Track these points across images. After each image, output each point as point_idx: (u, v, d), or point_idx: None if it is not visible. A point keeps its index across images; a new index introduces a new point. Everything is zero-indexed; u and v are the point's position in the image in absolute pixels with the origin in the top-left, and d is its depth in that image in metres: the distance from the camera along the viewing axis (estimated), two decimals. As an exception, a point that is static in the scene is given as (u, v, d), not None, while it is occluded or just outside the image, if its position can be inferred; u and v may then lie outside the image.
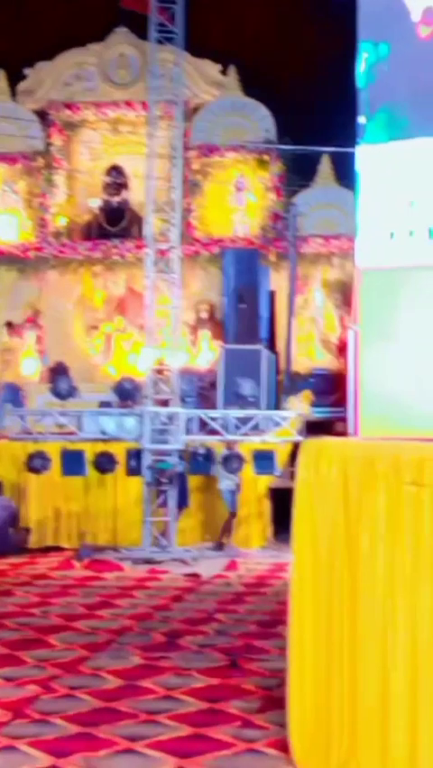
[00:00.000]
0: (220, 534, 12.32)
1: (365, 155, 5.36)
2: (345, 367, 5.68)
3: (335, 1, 6.10)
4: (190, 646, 7.24)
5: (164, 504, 11.77)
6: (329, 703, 4.54)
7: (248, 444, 12.09)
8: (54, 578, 10.37)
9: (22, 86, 16.46)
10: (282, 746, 4.73)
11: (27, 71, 16.42)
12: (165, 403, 12.16)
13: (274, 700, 5.18)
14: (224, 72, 16.59)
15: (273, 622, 6.17)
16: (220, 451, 11.96)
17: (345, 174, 4.95)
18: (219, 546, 12.05)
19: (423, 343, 5.12)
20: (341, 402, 5.41)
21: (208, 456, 11.95)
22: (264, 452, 11.84)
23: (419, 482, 4.25)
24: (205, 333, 15.59)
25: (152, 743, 4.87)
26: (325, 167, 15.93)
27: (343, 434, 5.56)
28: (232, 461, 11.82)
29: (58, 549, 12.00)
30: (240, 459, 11.82)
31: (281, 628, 5.04)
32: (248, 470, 12.06)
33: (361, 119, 5.29)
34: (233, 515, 12.09)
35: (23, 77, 16.48)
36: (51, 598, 9.14)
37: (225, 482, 11.95)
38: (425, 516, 4.21)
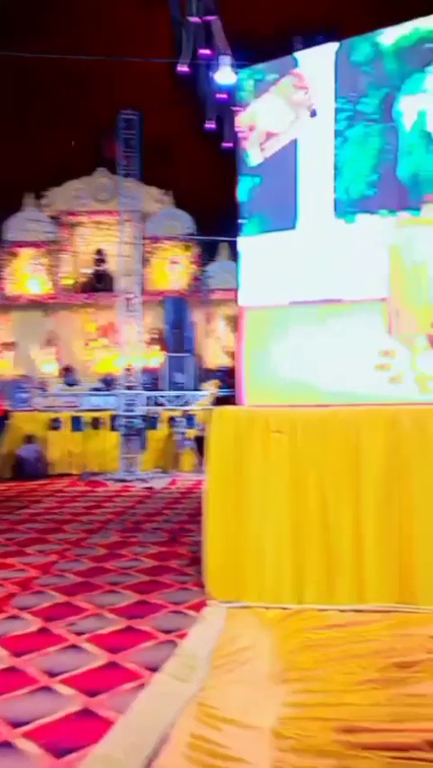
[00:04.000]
0: (168, 463, 14.28)
1: (244, 243, 6.12)
2: (238, 363, 6.27)
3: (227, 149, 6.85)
4: (148, 529, 8.00)
5: (132, 447, 14.01)
6: (227, 559, 5.06)
7: (181, 411, 14.68)
8: (66, 492, 11.61)
9: (43, 201, 19.48)
10: (202, 586, 5.19)
11: (46, 193, 19.42)
12: (131, 388, 14.39)
13: (197, 559, 5.60)
14: (165, 194, 19.38)
15: (197, 514, 6.45)
16: (166, 416, 14.68)
17: (234, 254, 6.13)
18: (165, 471, 13.93)
19: (279, 349, 5.91)
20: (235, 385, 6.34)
21: (158, 419, 14.70)
22: (191, 416, 14.51)
23: (280, 431, 5.11)
24: (155, 347, 17.89)
25: (126, 586, 5.47)
26: (223, 249, 18.71)
27: (236, 403, 6.09)
28: (184, 421, 14.52)
29: (68, 475, 13.63)
30: (189, 419, 14.40)
31: (201, 518, 5.40)
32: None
33: (241, 221, 6.12)
34: (179, 452, 14.27)
35: (44, 197, 19.48)
36: (65, 503, 10.23)
37: (178, 434, 14.38)
38: (282, 450, 5.02)
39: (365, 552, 4.71)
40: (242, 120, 6.13)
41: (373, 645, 3.47)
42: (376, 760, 2.51)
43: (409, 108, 5.72)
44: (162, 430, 14.76)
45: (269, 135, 6.14)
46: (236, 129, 6.20)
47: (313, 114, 5.96)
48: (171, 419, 14.68)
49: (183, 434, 14.36)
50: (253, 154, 6.03)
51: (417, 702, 2.90)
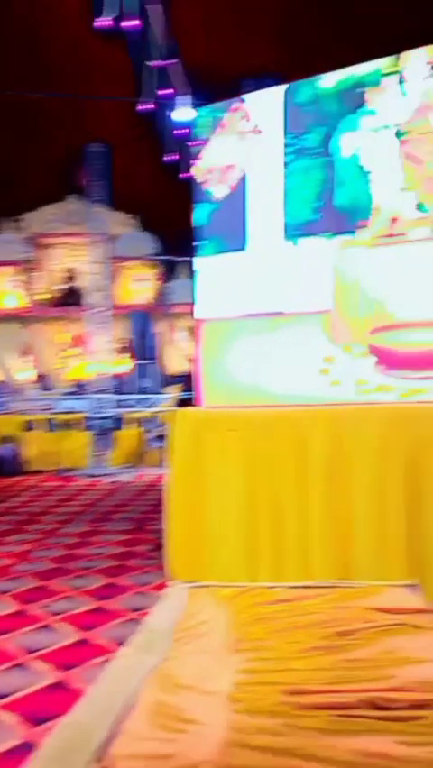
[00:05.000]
0: (136, 459, 14.10)
1: (200, 262, 6.19)
2: (196, 370, 6.32)
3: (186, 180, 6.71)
4: (116, 519, 7.95)
5: (101, 445, 13.87)
6: (188, 544, 5.07)
7: (148, 413, 14.55)
8: (41, 487, 11.42)
9: (21, 225, 19.49)
10: (164, 568, 5.16)
11: (22, 217, 19.47)
12: (101, 392, 14.31)
13: (160, 545, 5.54)
14: (131, 218, 19.50)
15: (160, 504, 6.14)
16: (133, 417, 14.50)
17: (192, 272, 6.19)
18: (135, 466, 13.75)
19: (232, 357, 6.00)
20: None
21: (125, 420, 14.47)
22: (157, 416, 14.17)
23: (233, 429, 5.13)
24: (123, 355, 17.80)
25: (96, 570, 5.48)
26: (184, 268, 18.76)
27: (195, 405, 6.14)
28: (153, 421, 14.32)
29: (42, 472, 13.36)
30: (156, 420, 14.16)
31: (163, 507, 5.38)
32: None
33: (198, 243, 6.20)
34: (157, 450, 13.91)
35: (21, 220, 19.50)
36: (40, 497, 10.09)
37: (156, 431, 14.10)
38: (237, 446, 5.05)
39: (310, 535, 4.77)
40: (197, 170, 6.20)
41: (316, 617, 3.52)
42: (319, 718, 2.54)
43: (345, 144, 5.83)
44: (132, 429, 14.58)
45: (227, 169, 6.17)
46: (195, 178, 6.25)
47: (257, 132, 6.05)
48: (141, 420, 14.60)
49: (150, 432, 14.25)
50: (217, 190, 6.09)
51: (354, 666, 2.95)
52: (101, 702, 2.89)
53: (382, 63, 5.68)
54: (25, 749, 2.69)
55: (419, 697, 2.65)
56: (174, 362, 19.55)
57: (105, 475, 12.96)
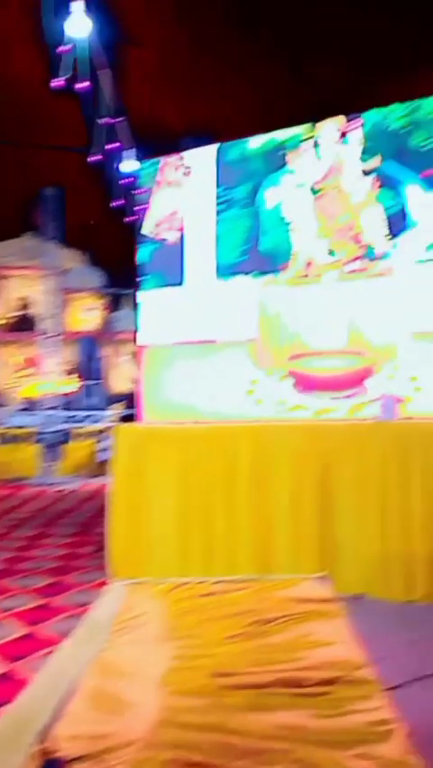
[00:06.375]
0: (88, 471, 13.71)
1: (143, 296, 6.21)
2: (137, 390, 6.30)
3: (131, 223, 6.72)
4: (62, 523, 7.76)
5: (50, 457, 13.59)
6: (127, 545, 4.99)
7: (94, 428, 14.31)
8: None
9: None
10: (107, 568, 5.02)
11: None
12: (51, 409, 14.09)
13: (102, 546, 5.38)
14: (81, 254, 19.49)
15: (103, 511, 5.99)
16: (80, 431, 14.28)
17: (135, 303, 6.28)
18: (88, 477, 13.39)
19: (170, 379, 5.99)
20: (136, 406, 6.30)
21: (73, 434, 14.30)
22: (98, 431, 14.11)
23: (168, 441, 5.08)
24: (73, 376, 17.75)
25: (43, 570, 5.38)
26: (127, 300, 18.47)
27: (136, 420, 6.13)
28: (103, 435, 13.99)
29: None
30: (106, 433, 13.80)
31: (105, 513, 5.28)
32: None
33: (141, 278, 6.22)
34: (98, 461, 13.59)
35: None
36: None
37: (100, 444, 13.89)
38: (172, 457, 5.00)
39: (236, 535, 4.79)
40: (146, 227, 6.33)
41: (240, 607, 3.51)
42: (240, 696, 2.54)
43: (269, 198, 6.04)
44: (81, 443, 14.38)
45: (172, 215, 6.23)
46: (146, 233, 6.31)
47: (188, 174, 6.20)
48: (92, 433, 14.39)
49: (100, 444, 14.10)
50: (169, 236, 6.13)
51: (272, 650, 2.96)
52: (44, 690, 2.80)
53: (301, 129, 5.87)
54: (-28, 736, 2.57)
55: (327, 675, 2.68)
56: (118, 383, 19.49)
57: (53, 484, 12.64)
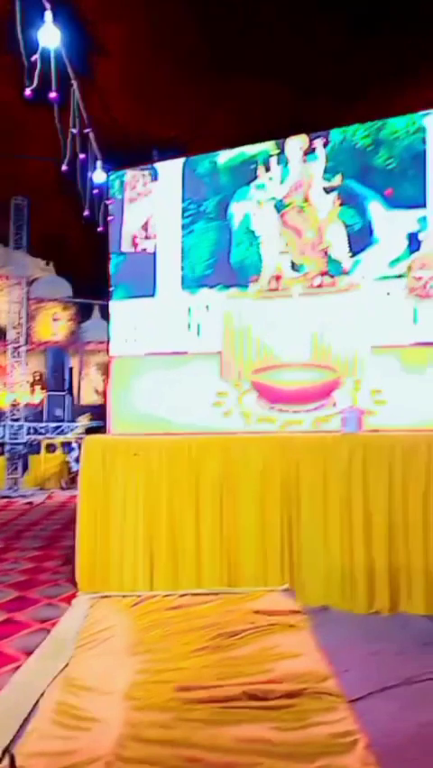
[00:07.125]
0: (59, 482, 13.63)
1: (114, 306, 6.17)
2: (105, 401, 6.23)
3: (102, 233, 6.76)
4: (28, 536, 7.57)
5: (15, 469, 13.33)
6: (94, 558, 4.95)
7: (60, 439, 14.29)
8: None
9: None
10: (72, 582, 5.05)
11: None
12: (16, 420, 13.85)
13: (69, 560, 5.48)
14: (47, 263, 19.11)
15: (70, 523, 6.33)
16: (46, 443, 14.18)
17: (104, 313, 6.08)
18: (48, 488, 13.30)
19: (138, 390, 5.94)
20: (104, 418, 6.26)
21: (39, 446, 14.16)
22: (68, 442, 14.08)
23: (137, 453, 5.04)
24: (38, 387, 17.32)
25: (8, 584, 5.23)
26: (96, 310, 18.57)
27: (104, 432, 6.03)
28: (72, 447, 13.93)
29: None
30: (72, 445, 13.84)
31: (73, 526, 5.21)
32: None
33: (111, 288, 6.19)
34: (70, 472, 13.49)
35: None
36: None
37: (70, 456, 13.76)
38: (140, 469, 4.96)
39: (202, 548, 4.77)
40: (125, 242, 6.28)
41: (205, 621, 3.53)
42: (205, 710, 2.56)
43: (238, 211, 6.03)
44: (49, 454, 14.22)
45: (145, 226, 6.23)
46: (124, 249, 6.31)
47: (155, 178, 6.20)
48: (64, 445, 14.30)
49: (70, 455, 13.95)
50: (149, 245, 6.15)
51: (237, 663, 2.99)
52: (8, 705, 2.77)
53: (269, 145, 5.96)
54: None
55: (291, 687, 2.72)
56: (86, 394, 19.32)
57: (18, 497, 12.41)
